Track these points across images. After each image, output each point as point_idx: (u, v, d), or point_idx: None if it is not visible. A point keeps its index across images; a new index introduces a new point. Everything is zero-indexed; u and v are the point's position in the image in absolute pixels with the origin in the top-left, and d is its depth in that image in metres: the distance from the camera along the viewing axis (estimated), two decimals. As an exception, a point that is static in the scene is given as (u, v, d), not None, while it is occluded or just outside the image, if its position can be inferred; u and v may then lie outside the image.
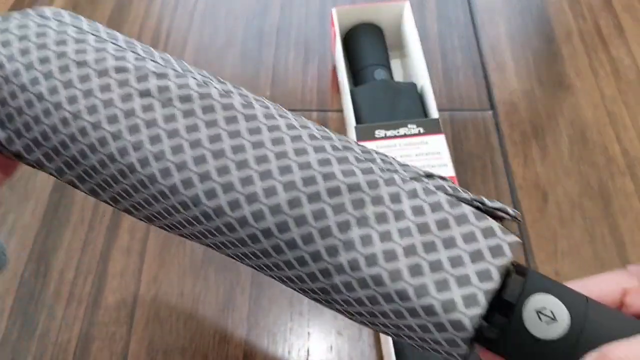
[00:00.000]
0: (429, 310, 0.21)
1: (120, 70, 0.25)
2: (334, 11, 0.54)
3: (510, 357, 0.22)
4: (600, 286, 0.24)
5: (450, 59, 0.58)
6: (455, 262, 0.22)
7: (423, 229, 0.22)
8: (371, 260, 0.22)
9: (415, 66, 0.52)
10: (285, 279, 0.25)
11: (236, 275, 0.44)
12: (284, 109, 0.26)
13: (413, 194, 0.23)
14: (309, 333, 0.42)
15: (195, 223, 0.24)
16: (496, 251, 0.22)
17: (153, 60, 0.26)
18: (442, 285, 0.21)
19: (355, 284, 0.23)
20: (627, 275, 0.24)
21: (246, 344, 0.41)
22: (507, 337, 0.21)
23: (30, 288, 0.44)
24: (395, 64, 0.56)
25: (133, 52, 0.27)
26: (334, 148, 0.24)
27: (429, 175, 0.25)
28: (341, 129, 0.53)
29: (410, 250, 0.22)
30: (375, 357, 0.41)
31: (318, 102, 0.55)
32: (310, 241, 0.23)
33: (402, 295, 0.22)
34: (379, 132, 0.45)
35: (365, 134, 0.45)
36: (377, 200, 0.23)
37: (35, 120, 0.25)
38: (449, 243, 0.22)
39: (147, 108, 0.24)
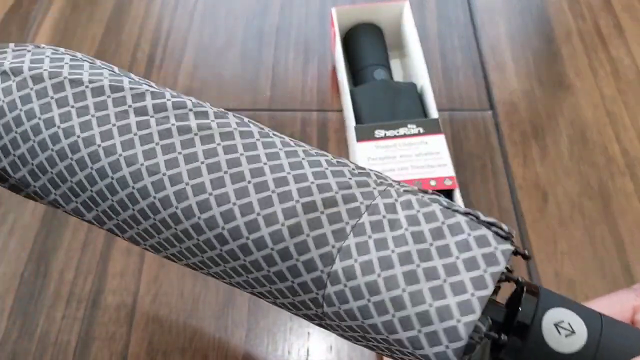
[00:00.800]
0: (424, 318, 0.21)
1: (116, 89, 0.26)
2: (333, 11, 0.54)
3: None
4: (609, 306, 0.24)
5: (450, 58, 0.58)
6: (450, 270, 0.22)
7: (418, 237, 0.23)
8: (367, 267, 0.22)
9: (415, 66, 0.52)
10: (277, 294, 0.25)
11: (236, 275, 0.44)
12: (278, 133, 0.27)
13: (408, 205, 0.24)
14: (308, 333, 0.42)
15: (184, 239, 0.25)
16: (490, 259, 0.22)
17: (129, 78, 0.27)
18: (437, 293, 0.21)
19: (348, 293, 0.23)
20: (633, 294, 0.25)
21: (246, 343, 0.41)
22: (527, 351, 0.21)
23: (30, 288, 0.44)
24: (395, 64, 0.56)
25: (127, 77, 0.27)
26: (329, 163, 0.25)
27: (424, 191, 0.25)
28: (341, 129, 0.53)
29: (405, 258, 0.22)
30: (375, 357, 0.41)
31: (318, 102, 0.55)
32: (305, 250, 0.23)
33: (397, 303, 0.22)
34: (379, 132, 0.45)
35: (365, 134, 0.45)
36: (373, 210, 0.23)
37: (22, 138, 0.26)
38: (444, 251, 0.22)
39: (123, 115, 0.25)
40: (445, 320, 0.21)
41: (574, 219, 0.47)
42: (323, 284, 0.23)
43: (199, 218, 0.24)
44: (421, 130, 0.45)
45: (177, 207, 0.24)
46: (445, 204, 0.24)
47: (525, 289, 0.23)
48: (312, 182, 0.24)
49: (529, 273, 0.44)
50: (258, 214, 0.23)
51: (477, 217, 0.23)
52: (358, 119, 0.48)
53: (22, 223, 0.47)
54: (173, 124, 0.25)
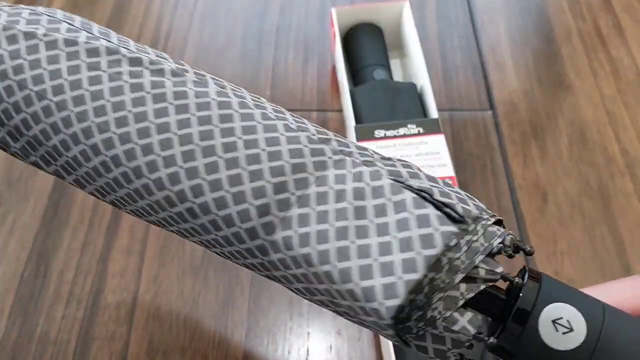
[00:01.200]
0: (352, 295, 0.21)
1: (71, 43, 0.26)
2: (333, 11, 0.54)
3: None
4: (617, 293, 0.23)
5: (450, 58, 0.58)
6: (384, 249, 0.21)
7: (360, 213, 0.22)
8: (304, 239, 0.22)
9: (414, 66, 0.52)
10: (228, 255, 0.25)
11: (236, 275, 0.44)
12: (242, 89, 0.26)
13: (358, 178, 0.23)
14: (308, 333, 0.42)
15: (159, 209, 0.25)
16: (427, 241, 0.21)
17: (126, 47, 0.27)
18: (365, 272, 0.21)
19: (290, 261, 0.23)
20: None
21: (246, 343, 0.41)
22: (522, 347, 0.21)
23: (30, 288, 0.44)
24: (394, 64, 0.56)
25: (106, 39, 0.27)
26: (287, 128, 0.24)
27: (388, 159, 0.24)
28: (341, 129, 0.53)
29: (342, 233, 0.22)
30: (374, 357, 0.41)
31: (318, 102, 0.55)
32: (248, 219, 0.23)
33: (330, 278, 0.22)
34: (379, 132, 0.45)
35: (364, 134, 0.45)
36: (322, 182, 0.23)
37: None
38: (382, 230, 0.22)
39: (95, 80, 0.25)
40: (370, 301, 0.21)
41: (574, 219, 0.47)
42: (266, 251, 0.23)
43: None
44: (421, 130, 0.45)
45: (148, 178, 0.24)
46: (405, 175, 0.23)
47: (529, 275, 0.22)
48: (263, 150, 0.23)
49: (529, 273, 0.44)
50: (203, 179, 0.23)
51: (431, 195, 0.22)
52: (358, 119, 0.48)
53: (22, 223, 0.47)
54: (126, 82, 0.25)
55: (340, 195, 0.23)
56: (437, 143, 0.45)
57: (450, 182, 0.24)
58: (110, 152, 0.24)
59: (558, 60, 0.58)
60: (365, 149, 0.25)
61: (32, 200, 0.48)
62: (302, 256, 0.22)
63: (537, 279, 0.22)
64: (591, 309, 0.21)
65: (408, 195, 0.22)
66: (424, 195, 0.22)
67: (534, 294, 0.21)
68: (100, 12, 0.63)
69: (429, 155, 0.44)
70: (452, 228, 0.21)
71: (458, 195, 0.23)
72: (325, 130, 0.25)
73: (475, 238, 0.22)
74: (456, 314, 0.21)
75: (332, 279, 0.22)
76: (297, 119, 0.25)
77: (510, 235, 0.22)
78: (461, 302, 0.21)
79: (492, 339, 0.21)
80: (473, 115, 0.54)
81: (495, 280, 0.22)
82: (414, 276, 0.20)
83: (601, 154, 0.51)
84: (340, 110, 0.55)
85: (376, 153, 0.25)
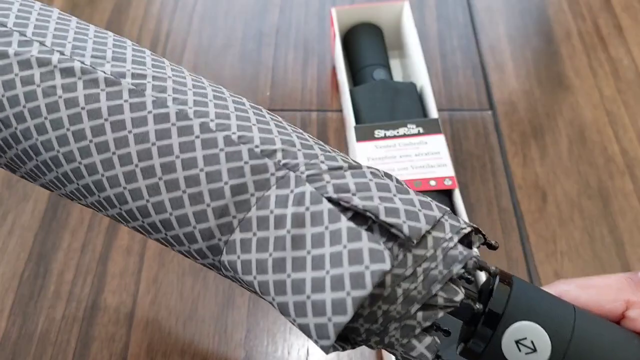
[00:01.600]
0: (294, 323, 0.22)
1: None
2: (333, 11, 0.54)
3: None
4: (602, 290, 0.23)
5: (450, 59, 0.58)
6: (317, 286, 0.21)
7: (298, 243, 0.21)
8: (246, 267, 0.22)
9: (414, 66, 0.52)
10: (187, 255, 0.26)
11: (236, 276, 0.44)
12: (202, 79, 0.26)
13: (299, 200, 0.22)
14: (308, 333, 0.42)
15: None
16: (357, 280, 0.20)
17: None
18: (300, 309, 0.21)
19: (240, 280, 0.23)
20: (630, 288, 0.23)
21: (246, 344, 0.41)
22: None
23: (30, 288, 0.44)
24: (394, 64, 0.56)
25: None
26: (228, 141, 0.23)
27: (338, 168, 0.23)
28: (341, 129, 0.53)
29: (279, 265, 0.21)
30: (374, 357, 0.41)
31: (318, 102, 0.55)
32: (194, 240, 0.23)
33: (274, 305, 0.22)
34: (379, 132, 0.45)
35: (364, 134, 0.45)
36: (263, 203, 0.22)
37: None
38: (317, 263, 0.21)
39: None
40: (309, 335, 0.21)
41: (574, 218, 0.47)
42: (218, 268, 0.24)
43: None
44: (421, 130, 0.45)
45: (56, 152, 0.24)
46: (351, 190, 0.22)
47: (500, 278, 0.22)
48: (202, 170, 0.23)
49: (529, 272, 0.44)
50: (147, 201, 0.23)
51: (376, 215, 0.21)
52: (358, 119, 0.48)
53: (21, 223, 0.47)
54: (60, 97, 0.24)
55: (280, 222, 0.22)
56: (437, 143, 0.45)
57: (404, 185, 0.23)
58: (60, 169, 0.24)
59: (558, 60, 0.58)
60: (323, 148, 0.24)
61: (32, 201, 0.48)
62: (247, 282, 0.22)
63: (508, 283, 0.22)
64: (559, 324, 0.21)
65: (344, 225, 0.21)
66: (368, 216, 0.21)
67: (505, 295, 0.21)
68: (99, 12, 0.63)
69: (429, 155, 0.44)
70: (384, 266, 0.20)
71: (411, 208, 0.21)
72: (279, 131, 0.24)
73: (433, 265, 0.21)
74: (414, 341, 0.21)
75: (275, 307, 0.22)
76: (240, 128, 0.23)
77: (473, 259, 0.21)
78: (418, 331, 0.21)
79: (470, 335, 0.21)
80: (473, 115, 0.54)
81: (454, 307, 0.21)
82: (342, 319, 0.20)
83: (601, 154, 0.51)
84: (340, 110, 0.55)
85: (329, 156, 0.23)
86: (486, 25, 0.61)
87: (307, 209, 0.22)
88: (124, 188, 0.23)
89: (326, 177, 0.22)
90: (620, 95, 0.55)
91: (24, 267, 0.45)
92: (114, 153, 0.23)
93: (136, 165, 0.23)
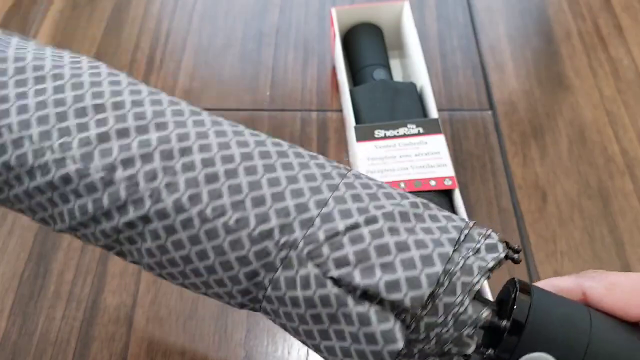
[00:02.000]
0: None
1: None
2: (333, 11, 0.54)
3: None
4: (626, 298, 0.23)
5: (450, 59, 0.58)
6: (346, 353, 0.23)
7: (317, 319, 0.23)
8: (283, 325, 0.25)
9: (414, 66, 0.52)
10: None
11: (236, 276, 0.44)
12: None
13: (305, 284, 0.23)
14: (308, 333, 0.42)
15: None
16: (376, 357, 0.22)
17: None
18: None
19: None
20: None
21: (246, 344, 0.41)
22: None
23: (30, 288, 0.44)
24: (394, 64, 0.56)
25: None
26: (227, 229, 0.23)
27: (335, 235, 0.23)
28: (341, 129, 0.53)
29: (308, 334, 0.24)
30: (374, 357, 0.41)
31: (318, 102, 0.55)
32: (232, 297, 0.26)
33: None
34: (379, 132, 0.45)
35: (364, 134, 0.45)
36: (275, 285, 0.23)
37: None
38: (339, 335, 0.22)
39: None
40: None
41: (574, 218, 0.47)
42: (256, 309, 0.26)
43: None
44: (421, 130, 0.45)
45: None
46: (351, 263, 0.22)
47: (520, 288, 0.22)
48: (214, 260, 0.24)
49: (529, 272, 0.44)
50: (182, 284, 0.27)
51: (375, 297, 0.22)
52: (358, 119, 0.48)
53: (21, 223, 0.47)
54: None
55: (295, 302, 0.23)
56: (437, 143, 0.45)
57: (398, 202, 0.25)
58: (25, 167, 0.26)
59: (558, 60, 0.58)
60: (309, 239, 0.23)
61: (32, 201, 0.48)
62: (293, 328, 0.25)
63: (527, 292, 0.22)
64: (572, 345, 0.21)
65: (353, 310, 0.22)
66: (369, 296, 0.22)
67: (526, 308, 0.22)
68: (99, 12, 0.63)
69: (429, 155, 0.44)
70: (396, 346, 0.21)
71: (411, 273, 0.22)
72: (272, 192, 0.24)
73: (444, 330, 0.22)
74: None
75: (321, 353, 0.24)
76: (236, 213, 0.23)
77: (484, 319, 0.22)
78: None
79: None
80: (473, 115, 0.54)
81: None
82: None
83: (601, 154, 0.51)
84: (340, 110, 0.55)
85: (325, 216, 0.23)
86: (486, 25, 0.61)
87: (314, 292, 0.22)
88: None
89: (325, 250, 0.23)
90: (620, 95, 0.55)
91: (24, 267, 0.45)
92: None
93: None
